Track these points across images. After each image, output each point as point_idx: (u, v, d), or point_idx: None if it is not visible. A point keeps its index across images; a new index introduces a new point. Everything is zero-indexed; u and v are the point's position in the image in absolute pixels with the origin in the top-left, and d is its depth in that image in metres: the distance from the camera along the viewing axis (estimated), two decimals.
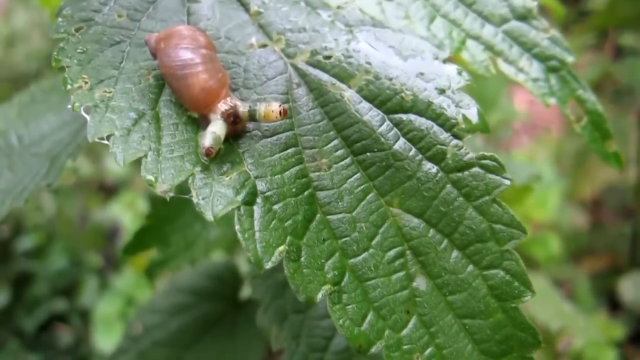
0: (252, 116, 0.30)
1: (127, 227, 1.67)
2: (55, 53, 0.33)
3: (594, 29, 1.43)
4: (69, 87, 0.32)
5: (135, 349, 0.73)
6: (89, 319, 1.74)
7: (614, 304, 1.60)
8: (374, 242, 0.32)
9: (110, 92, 0.32)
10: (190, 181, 0.29)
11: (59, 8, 0.36)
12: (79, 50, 0.34)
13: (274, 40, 0.36)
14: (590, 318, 1.36)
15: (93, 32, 0.35)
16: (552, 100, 0.27)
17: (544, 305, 0.83)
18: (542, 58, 0.28)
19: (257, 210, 0.29)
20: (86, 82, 0.32)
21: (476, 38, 0.25)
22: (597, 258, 1.70)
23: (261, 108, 0.30)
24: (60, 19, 0.35)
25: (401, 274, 0.32)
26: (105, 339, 1.68)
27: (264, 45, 0.35)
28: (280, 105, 0.29)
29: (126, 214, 1.68)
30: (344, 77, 0.34)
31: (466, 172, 0.33)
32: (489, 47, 0.26)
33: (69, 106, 0.31)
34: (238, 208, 0.29)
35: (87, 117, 0.31)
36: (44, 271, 1.82)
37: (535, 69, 0.27)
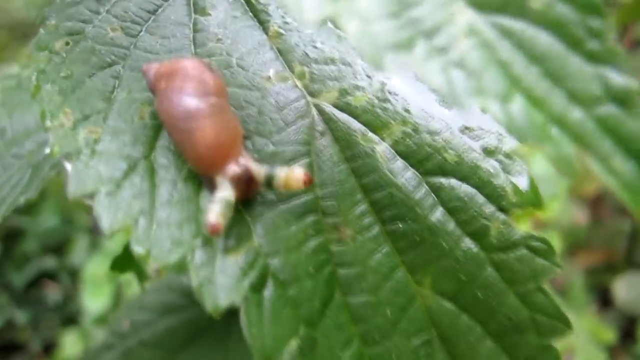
0: (268, 182, 0.25)
1: None
2: (35, 77, 0.28)
3: (616, 22, 1.36)
4: (48, 123, 0.26)
5: (121, 346, 0.70)
6: (78, 277, 1.73)
7: (605, 300, 1.60)
8: (398, 328, 0.27)
9: (97, 133, 0.27)
10: (188, 258, 0.24)
11: (42, 16, 0.29)
12: (62, 74, 0.28)
13: (295, 73, 0.30)
14: (582, 316, 1.35)
15: (81, 50, 0.29)
16: None
17: None
18: (639, 157, 0.22)
19: (267, 297, 0.25)
20: (69, 119, 0.27)
21: (562, 123, 0.20)
22: (593, 253, 1.69)
23: (281, 174, 0.25)
24: (42, 32, 0.29)
25: None
26: (94, 299, 1.67)
27: (284, 79, 0.30)
28: (305, 173, 0.24)
29: None
30: (377, 126, 0.29)
31: (511, 254, 0.28)
32: (576, 137, 0.20)
33: (47, 150, 0.26)
34: (245, 297, 0.24)
35: (68, 166, 0.25)
36: (35, 228, 1.79)
37: (629, 170, 0.21)
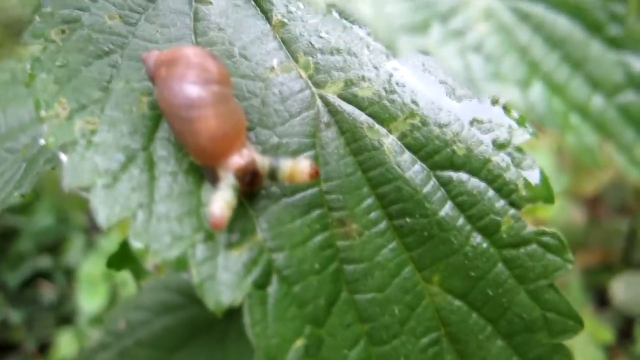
0: (273, 174, 0.24)
1: None
2: (29, 66, 0.27)
3: None
4: (42, 113, 0.25)
5: (117, 346, 0.69)
6: (74, 277, 1.71)
7: (602, 300, 1.60)
8: (406, 327, 0.27)
9: (94, 124, 0.26)
10: (189, 253, 0.23)
11: (37, 4, 0.28)
12: (58, 63, 0.27)
13: (300, 63, 0.29)
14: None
15: (77, 38, 0.28)
16: None
17: None
18: None
19: (271, 294, 0.24)
20: (64, 108, 0.26)
21: (583, 111, 0.19)
22: (590, 253, 1.69)
23: (286, 166, 0.24)
24: (38, 19, 0.28)
25: None
26: (89, 299, 1.66)
27: (288, 70, 0.29)
28: (311, 166, 0.23)
29: None
30: (385, 118, 0.28)
31: (522, 250, 0.27)
32: (598, 126, 0.19)
33: (41, 141, 0.25)
34: (249, 295, 0.23)
35: (63, 157, 0.24)
36: (30, 227, 1.78)
37: None
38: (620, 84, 0.19)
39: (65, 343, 1.58)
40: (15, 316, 1.69)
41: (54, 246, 1.82)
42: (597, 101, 0.20)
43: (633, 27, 0.20)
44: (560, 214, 1.59)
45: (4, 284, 1.70)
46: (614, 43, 0.20)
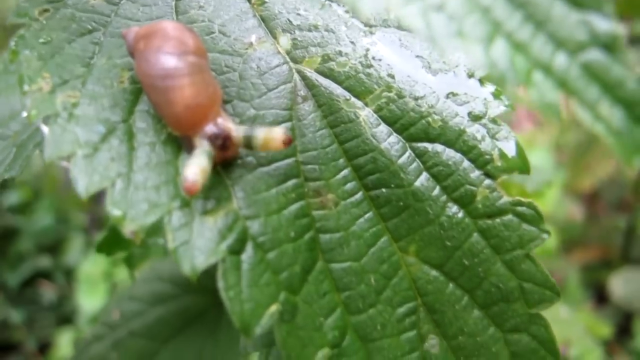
0: (247, 143, 0.24)
1: None
2: (13, 43, 0.27)
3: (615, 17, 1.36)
4: (25, 88, 0.26)
5: (111, 337, 0.69)
6: (73, 277, 1.72)
7: (600, 297, 1.60)
8: (382, 297, 0.27)
9: (75, 97, 0.26)
10: (165, 220, 0.24)
11: None
12: (41, 40, 0.28)
13: (278, 39, 0.30)
14: (578, 312, 1.34)
15: (61, 17, 0.29)
16: (638, 161, 0.21)
17: None
18: (626, 103, 0.22)
19: (246, 260, 0.24)
20: (47, 83, 0.26)
21: (546, 69, 0.19)
22: (589, 249, 1.69)
23: (260, 135, 0.24)
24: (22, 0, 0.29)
25: (411, 333, 0.27)
26: (89, 299, 1.66)
27: (266, 46, 0.29)
28: (284, 133, 0.24)
29: None
30: (361, 92, 0.28)
31: (497, 220, 0.27)
32: (561, 83, 0.20)
33: (24, 113, 0.25)
34: (223, 259, 0.23)
35: (45, 129, 0.25)
36: (30, 227, 1.79)
37: (616, 117, 0.21)
38: (583, 43, 0.20)
39: (66, 342, 1.59)
40: (15, 316, 1.69)
41: (54, 246, 1.83)
42: (560, 59, 0.20)
43: None
44: (559, 211, 1.59)
45: (4, 284, 1.71)
46: (577, 3, 0.20)
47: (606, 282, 1.53)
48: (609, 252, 1.67)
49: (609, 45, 0.20)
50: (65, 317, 1.76)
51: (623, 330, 1.49)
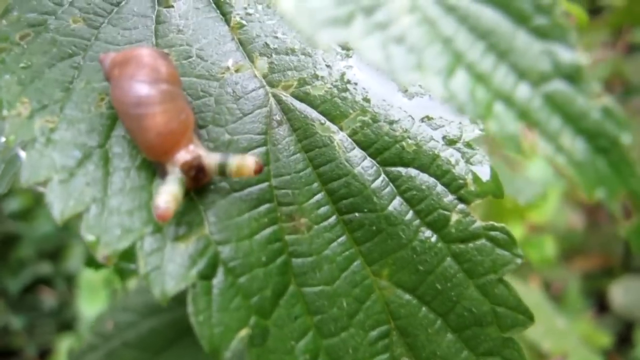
0: (220, 171, 0.25)
1: None
2: None
3: (609, 26, 1.36)
4: (4, 112, 0.26)
5: (104, 347, 0.69)
6: (74, 283, 1.73)
7: (601, 305, 1.59)
8: (355, 320, 0.27)
9: (53, 122, 0.27)
10: (138, 245, 0.24)
11: (5, 9, 0.30)
12: (22, 65, 0.28)
13: (255, 63, 0.30)
14: (577, 321, 1.34)
15: (42, 41, 0.29)
16: (600, 193, 0.21)
17: (535, 322, 0.78)
18: (589, 134, 0.22)
19: (216, 285, 0.24)
20: (26, 108, 0.27)
21: (507, 100, 0.19)
22: (589, 258, 1.68)
23: (232, 163, 0.24)
24: (4, 23, 0.29)
25: (384, 356, 0.27)
26: (90, 305, 1.67)
27: (243, 69, 0.30)
28: (256, 161, 0.24)
29: None
30: (335, 115, 0.29)
31: (470, 245, 0.28)
32: (522, 114, 0.20)
33: (2, 139, 0.26)
34: (193, 284, 0.24)
35: (22, 154, 0.25)
36: (30, 233, 1.79)
37: (579, 148, 0.21)
38: (546, 73, 0.20)
39: (66, 349, 1.59)
40: (16, 322, 1.70)
41: (55, 252, 1.84)
42: (522, 90, 0.20)
43: (558, 17, 0.20)
44: (560, 220, 1.58)
45: (5, 290, 1.72)
46: (540, 33, 0.21)
47: (607, 290, 1.52)
48: (610, 260, 1.66)
49: (572, 76, 0.21)
50: (65, 323, 1.76)
51: (624, 340, 1.48)
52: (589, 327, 1.32)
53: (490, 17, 0.20)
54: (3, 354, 1.70)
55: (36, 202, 1.79)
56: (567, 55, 0.20)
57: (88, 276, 1.70)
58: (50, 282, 1.78)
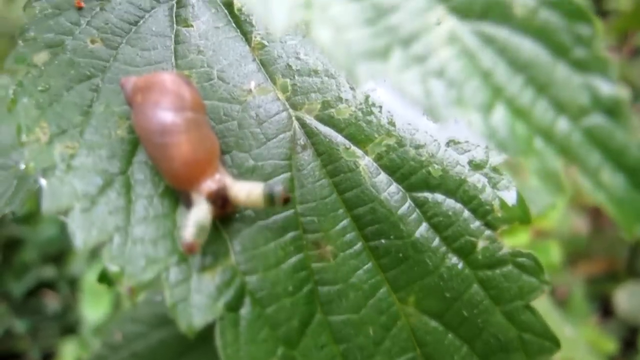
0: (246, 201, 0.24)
1: None
2: (12, 91, 0.27)
3: (615, 30, 1.35)
4: (23, 138, 0.26)
5: (113, 358, 0.69)
6: (78, 287, 1.72)
7: (606, 310, 1.59)
8: (381, 348, 0.27)
9: (73, 148, 0.26)
10: (163, 276, 0.24)
11: (21, 29, 0.29)
12: (40, 88, 0.28)
13: (278, 85, 0.29)
14: (582, 326, 1.33)
15: (59, 63, 0.29)
16: None
17: None
18: (629, 170, 0.21)
19: (244, 317, 0.24)
20: (45, 133, 0.26)
21: (547, 135, 0.19)
22: (594, 262, 1.67)
23: (257, 192, 0.24)
24: (21, 44, 0.29)
25: None
26: (93, 309, 1.66)
27: (266, 92, 0.29)
28: (282, 190, 0.24)
29: None
30: (361, 139, 0.28)
31: (497, 271, 0.27)
32: (562, 150, 0.19)
33: (22, 166, 0.25)
34: (221, 317, 0.23)
35: (43, 182, 0.25)
36: (34, 237, 1.79)
37: (619, 184, 0.20)
38: (586, 107, 0.19)
39: (69, 353, 1.59)
40: (19, 326, 1.70)
41: (58, 256, 1.83)
42: (562, 125, 0.20)
43: (599, 50, 0.20)
44: (564, 224, 1.58)
45: (9, 294, 1.72)
46: (580, 66, 0.20)
47: (612, 294, 1.52)
48: (615, 264, 1.65)
49: (612, 110, 0.20)
50: (69, 327, 1.76)
51: (628, 344, 1.48)
52: (594, 333, 1.32)
53: (530, 48, 0.19)
54: (7, 358, 1.69)
55: (39, 206, 1.78)
56: (607, 89, 0.20)
57: (91, 280, 1.69)
58: (54, 285, 1.78)
